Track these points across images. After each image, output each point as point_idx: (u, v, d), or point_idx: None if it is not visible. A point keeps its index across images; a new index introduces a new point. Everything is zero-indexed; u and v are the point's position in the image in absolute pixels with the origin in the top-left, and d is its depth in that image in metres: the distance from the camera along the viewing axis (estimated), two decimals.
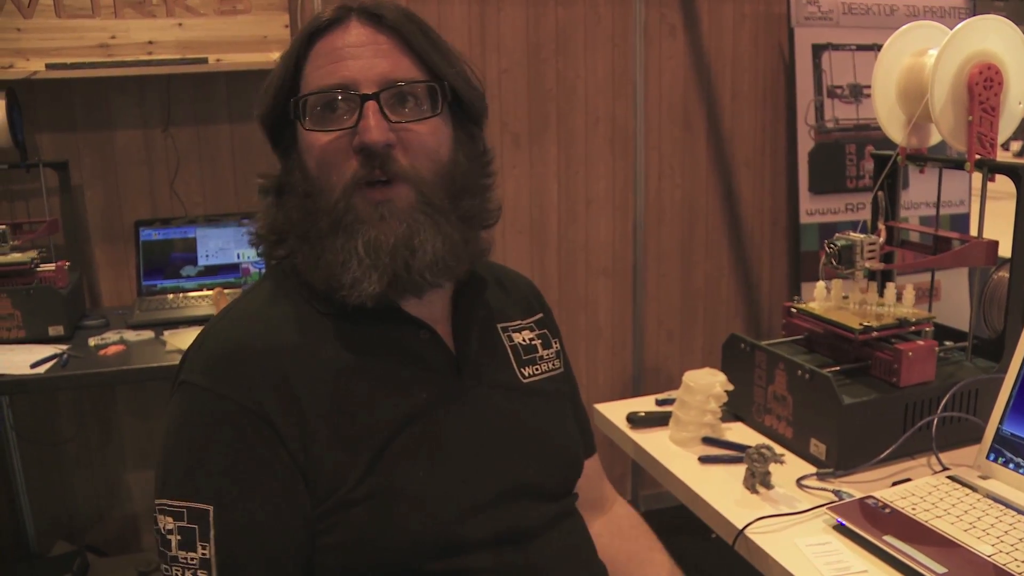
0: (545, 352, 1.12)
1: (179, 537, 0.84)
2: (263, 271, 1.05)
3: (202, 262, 2.54)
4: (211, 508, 0.84)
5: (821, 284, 1.61)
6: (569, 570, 1.00)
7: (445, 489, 0.91)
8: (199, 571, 0.83)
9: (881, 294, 1.59)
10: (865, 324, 1.49)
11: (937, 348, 1.50)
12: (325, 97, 0.93)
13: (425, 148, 0.94)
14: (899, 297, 1.58)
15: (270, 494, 0.86)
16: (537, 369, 1.09)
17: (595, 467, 1.24)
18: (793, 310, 1.64)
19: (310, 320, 0.95)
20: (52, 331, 2.20)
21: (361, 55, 0.93)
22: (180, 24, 2.43)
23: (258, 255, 1.04)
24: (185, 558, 0.83)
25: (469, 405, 0.98)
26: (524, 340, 1.10)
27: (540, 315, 1.17)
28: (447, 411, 0.96)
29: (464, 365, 1.00)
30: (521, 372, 1.07)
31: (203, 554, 0.83)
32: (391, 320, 0.97)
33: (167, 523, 0.85)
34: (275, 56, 2.45)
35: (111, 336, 2.22)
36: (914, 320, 1.51)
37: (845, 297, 1.61)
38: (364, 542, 0.87)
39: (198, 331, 2.31)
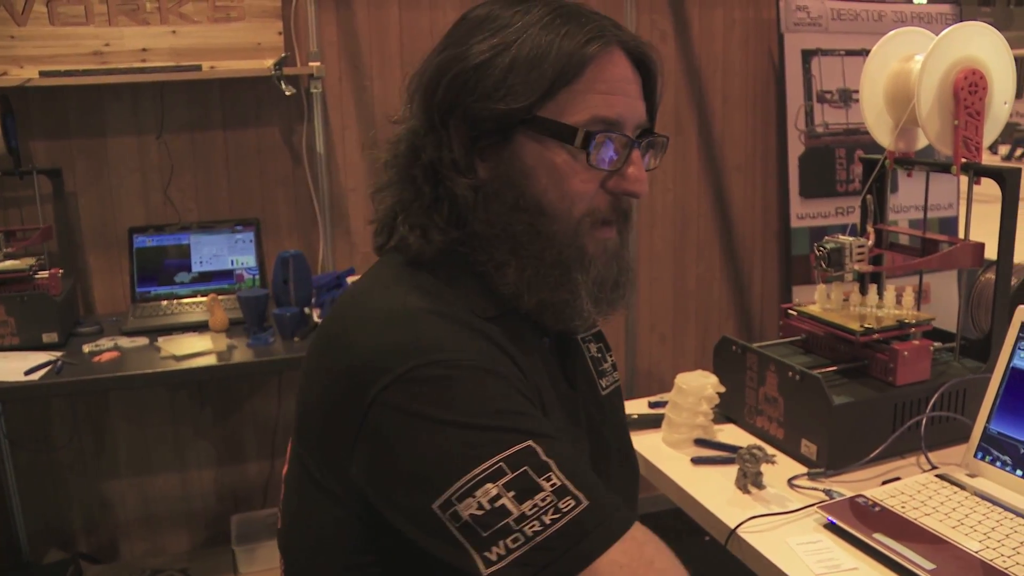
0: (606, 365, 1.11)
1: (512, 492, 0.75)
2: (398, 266, 0.94)
3: (196, 268, 2.55)
4: (530, 441, 0.77)
5: (822, 287, 1.63)
6: None
7: None
8: (559, 503, 0.75)
9: (864, 293, 1.61)
10: (866, 326, 1.51)
11: (932, 348, 1.53)
12: (608, 135, 0.89)
13: None
14: (898, 300, 1.60)
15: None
16: (607, 381, 1.09)
17: None
18: (793, 312, 1.66)
19: (472, 316, 0.90)
20: (46, 338, 2.21)
21: (628, 93, 0.91)
22: (174, 31, 2.44)
23: (384, 240, 0.96)
24: (535, 505, 0.74)
25: (583, 416, 0.99)
26: (593, 352, 1.10)
27: (598, 329, 1.15)
28: (573, 418, 0.96)
29: (574, 380, 1.00)
30: (600, 384, 1.07)
31: (553, 485, 0.75)
32: (527, 324, 0.94)
33: (486, 493, 0.75)
34: (269, 63, 2.48)
35: (105, 343, 2.23)
36: (914, 322, 1.53)
37: (846, 300, 1.62)
38: None
39: (193, 338, 2.30)
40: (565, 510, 0.75)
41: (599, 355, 1.11)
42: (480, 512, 0.75)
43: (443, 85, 0.90)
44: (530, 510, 0.74)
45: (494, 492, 0.75)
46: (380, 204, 0.96)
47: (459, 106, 0.89)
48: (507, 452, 0.76)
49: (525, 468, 0.76)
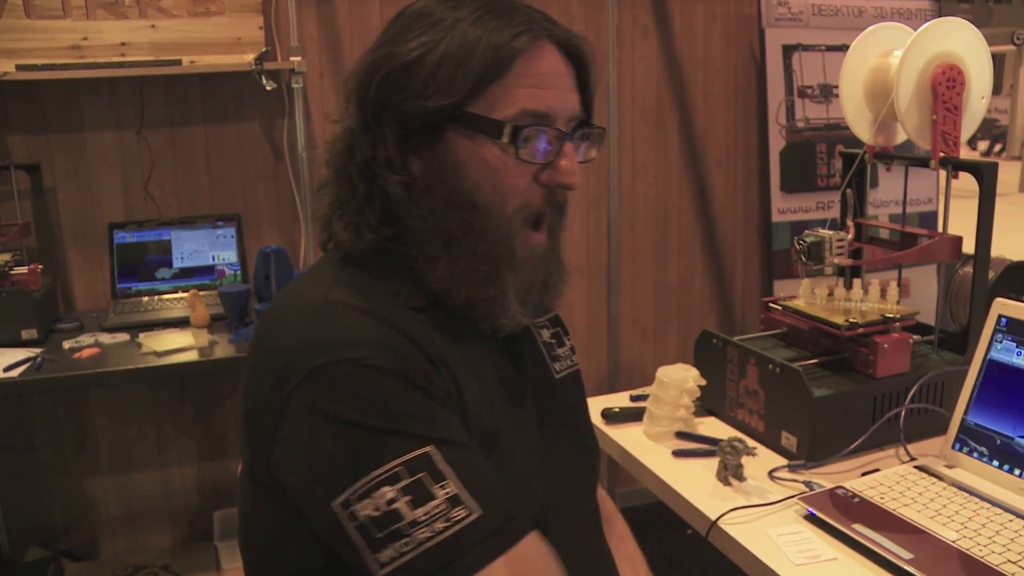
0: (560, 350, 1.13)
1: (407, 497, 0.76)
2: (333, 263, 0.95)
3: (177, 264, 2.53)
4: (430, 447, 0.78)
5: (807, 282, 1.64)
6: None
7: (524, 482, 0.91)
8: (451, 512, 0.77)
9: (848, 287, 1.63)
10: (851, 320, 1.52)
11: (912, 340, 1.54)
12: (539, 129, 0.90)
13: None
14: (882, 294, 1.61)
15: (457, 425, 0.84)
16: (561, 365, 1.10)
17: None
18: (775, 306, 1.67)
19: (402, 310, 0.90)
20: (25, 334, 2.19)
21: (559, 86, 0.91)
22: (153, 26, 2.43)
23: (327, 238, 0.97)
24: (427, 512, 0.76)
25: (532, 400, 0.99)
26: (546, 338, 1.11)
27: (555, 314, 1.16)
28: (521, 403, 0.97)
29: (520, 364, 1.01)
30: (554, 367, 1.09)
31: (447, 493, 0.77)
32: (462, 316, 0.95)
33: (383, 496, 0.77)
34: (249, 58, 2.47)
35: (85, 339, 2.21)
36: (898, 316, 1.55)
37: (830, 294, 1.64)
38: None
39: (174, 333, 2.28)
40: (456, 519, 0.77)
41: (553, 340, 1.12)
42: (376, 513, 0.77)
43: (375, 84, 0.90)
44: (423, 516, 0.76)
45: (390, 495, 0.77)
46: (323, 202, 0.97)
47: (390, 104, 0.90)
48: (406, 457, 0.78)
49: (422, 474, 0.77)
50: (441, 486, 0.77)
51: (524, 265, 0.93)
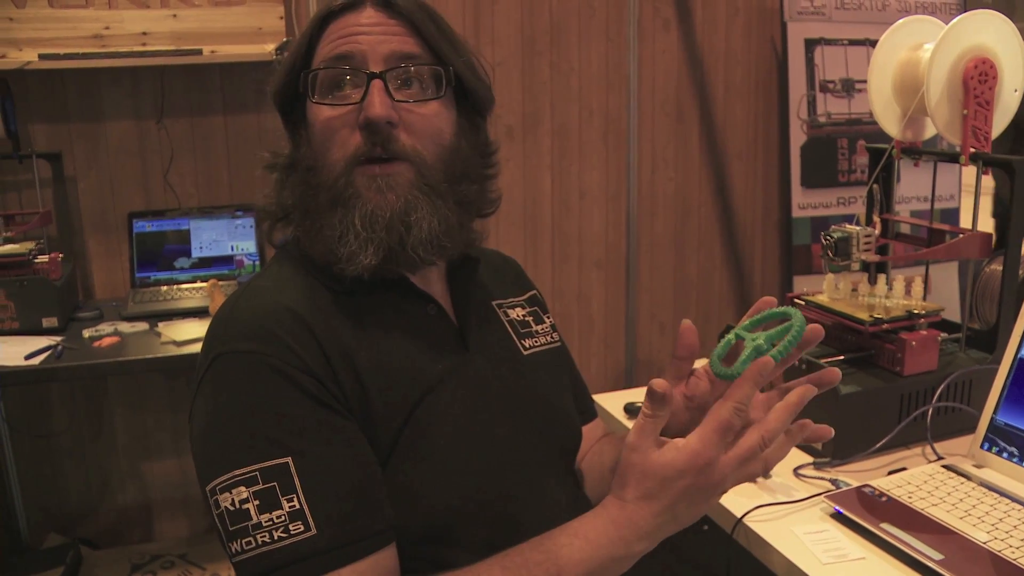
0: (539, 327, 1.14)
1: (257, 502, 0.81)
2: (273, 256, 1.04)
3: (196, 254, 2.54)
4: (289, 459, 0.82)
5: (831, 277, 1.62)
6: None
7: (457, 463, 0.92)
8: (290, 525, 0.81)
9: (873, 283, 1.61)
10: (875, 316, 1.50)
11: (939, 338, 1.52)
12: (333, 73, 0.93)
13: (428, 130, 0.95)
14: (907, 290, 1.59)
15: (339, 431, 0.86)
16: (536, 342, 1.11)
17: (599, 431, 1.24)
18: (799, 301, 1.65)
19: (324, 297, 0.94)
20: (46, 323, 2.20)
21: (371, 33, 0.94)
22: (175, 15, 2.43)
23: (268, 239, 1.03)
24: (271, 519, 0.81)
25: (477, 377, 1.00)
26: (518, 316, 1.13)
27: (532, 293, 1.19)
28: (458, 383, 0.97)
29: (469, 339, 1.01)
30: (522, 344, 1.09)
31: (292, 507, 0.81)
32: (399, 293, 0.97)
33: (239, 495, 0.82)
34: (270, 48, 2.46)
35: (105, 328, 2.22)
36: (924, 313, 1.53)
37: (854, 290, 1.62)
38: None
39: (193, 323, 2.29)
40: (293, 532, 0.81)
41: (527, 318, 1.14)
42: (232, 508, 0.82)
43: (275, 95, 1.00)
44: (266, 522, 0.81)
45: (244, 495, 0.82)
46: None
47: (285, 107, 1.00)
48: (265, 464, 0.82)
49: (274, 483, 0.82)
50: (288, 499, 0.81)
51: (365, 197, 0.92)
